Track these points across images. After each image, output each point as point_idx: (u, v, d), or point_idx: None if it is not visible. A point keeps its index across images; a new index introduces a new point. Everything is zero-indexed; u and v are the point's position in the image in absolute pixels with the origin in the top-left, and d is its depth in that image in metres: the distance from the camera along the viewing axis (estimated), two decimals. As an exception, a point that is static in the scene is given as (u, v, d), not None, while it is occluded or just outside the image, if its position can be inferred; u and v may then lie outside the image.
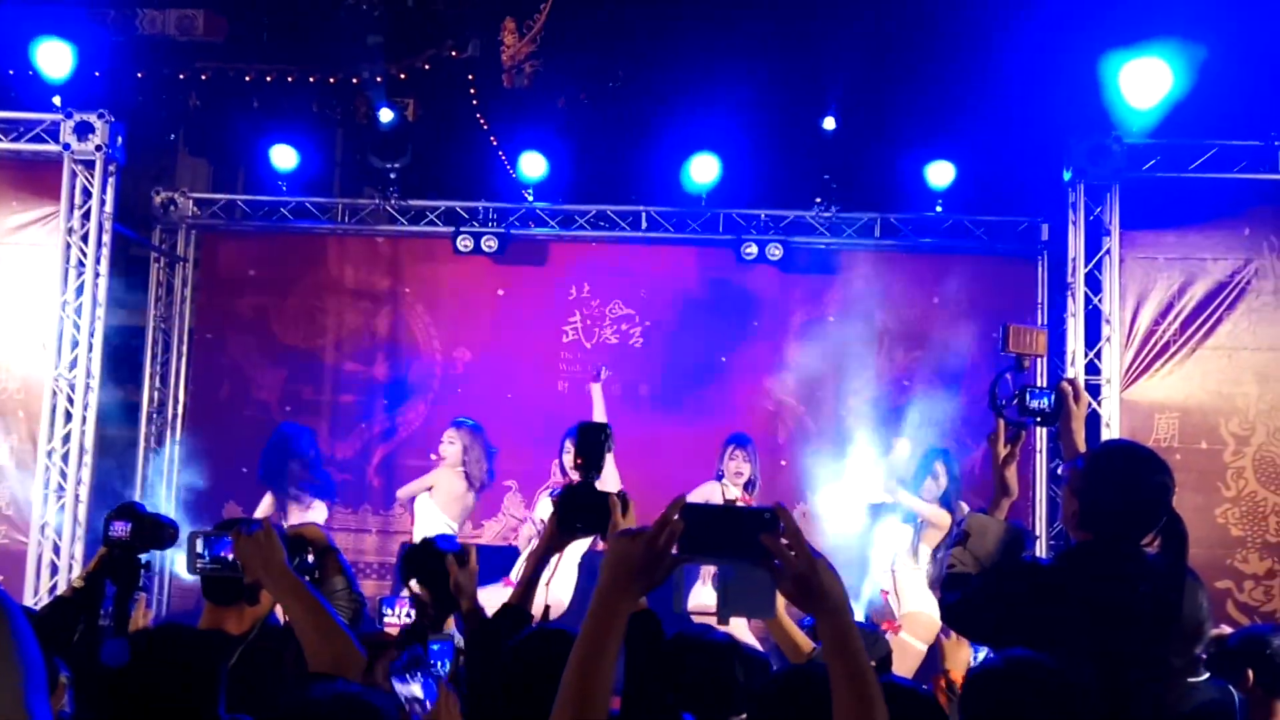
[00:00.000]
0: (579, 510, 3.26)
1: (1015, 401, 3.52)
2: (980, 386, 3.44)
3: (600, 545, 7.32)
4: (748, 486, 7.60)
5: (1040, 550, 8.44)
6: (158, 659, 2.68)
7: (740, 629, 4.61)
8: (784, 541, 1.96)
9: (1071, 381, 3.59)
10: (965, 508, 3.25)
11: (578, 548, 7.24)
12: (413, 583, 3.75)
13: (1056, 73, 8.70)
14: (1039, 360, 8.85)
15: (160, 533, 3.49)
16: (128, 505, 3.50)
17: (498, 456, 8.18)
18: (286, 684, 3.07)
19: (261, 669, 3.13)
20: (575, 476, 3.64)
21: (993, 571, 3.22)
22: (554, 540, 3.32)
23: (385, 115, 9.50)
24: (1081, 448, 3.49)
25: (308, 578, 3.36)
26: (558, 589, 7.26)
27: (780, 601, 4.31)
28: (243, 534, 3.07)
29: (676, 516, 2.01)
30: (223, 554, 3.16)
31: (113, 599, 3.36)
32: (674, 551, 2.00)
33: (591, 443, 3.30)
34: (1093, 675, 2.75)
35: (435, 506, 7.73)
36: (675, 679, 3.07)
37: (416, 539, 6.15)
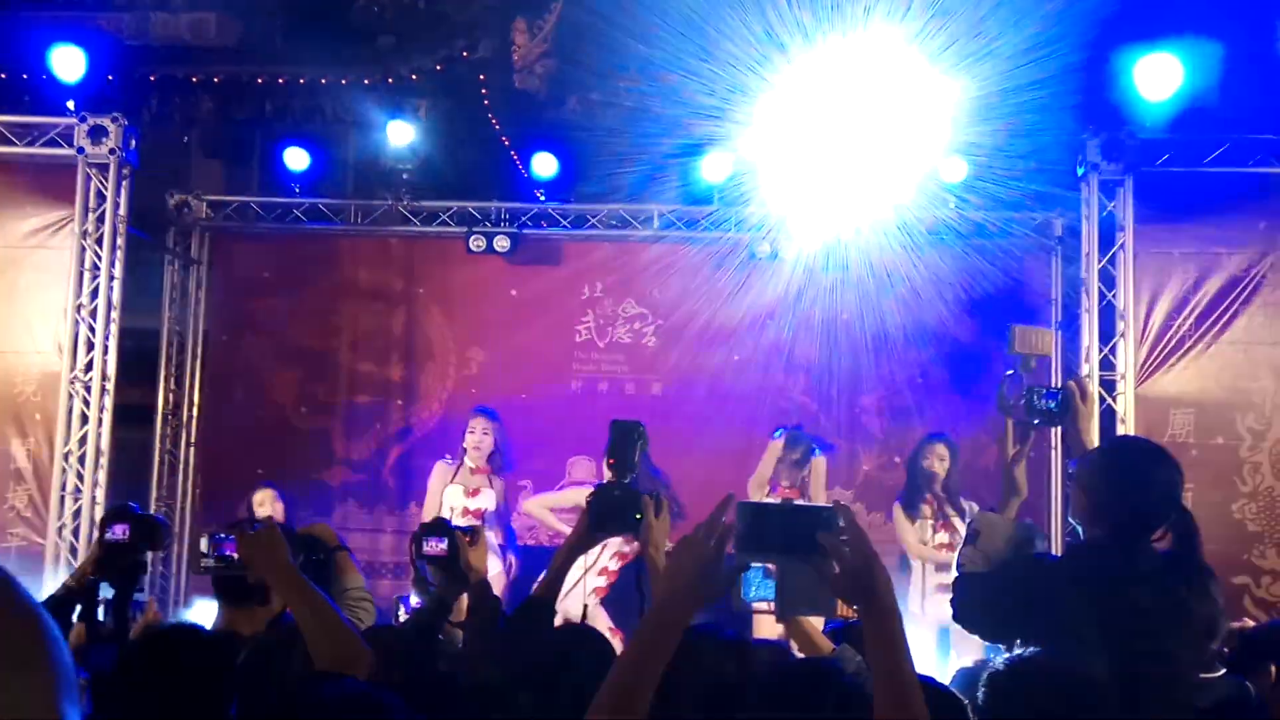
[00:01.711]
0: (611, 509, 3.26)
1: (1023, 402, 3.51)
2: (995, 383, 3.43)
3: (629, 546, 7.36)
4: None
5: (1053, 549, 8.40)
6: (169, 660, 2.70)
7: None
8: (843, 539, 1.94)
9: (1078, 381, 3.58)
10: (975, 508, 3.23)
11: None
12: (421, 565, 3.80)
13: (1070, 67, 8.66)
14: (1054, 357, 8.83)
15: (156, 533, 3.52)
16: (123, 507, 3.53)
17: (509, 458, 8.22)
18: (296, 682, 3.09)
19: (271, 667, 3.15)
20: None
21: (1002, 569, 3.21)
22: (584, 538, 3.33)
23: (398, 136, 9.50)
24: (1091, 446, 3.48)
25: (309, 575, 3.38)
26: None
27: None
28: (246, 532, 3.10)
29: (726, 518, 1.98)
30: (227, 553, 3.18)
31: (112, 600, 3.39)
32: (730, 551, 1.97)
33: (625, 442, 3.29)
34: (1104, 672, 2.74)
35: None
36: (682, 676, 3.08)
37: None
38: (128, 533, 3.43)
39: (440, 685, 3.58)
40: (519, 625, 3.20)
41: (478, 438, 7.96)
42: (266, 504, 8.14)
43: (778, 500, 1.90)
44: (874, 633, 1.96)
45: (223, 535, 3.20)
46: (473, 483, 7.91)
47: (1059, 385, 3.61)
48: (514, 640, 3.32)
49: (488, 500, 7.87)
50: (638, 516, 3.23)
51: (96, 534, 3.54)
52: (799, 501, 1.99)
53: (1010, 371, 3.67)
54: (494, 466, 7.95)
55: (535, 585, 3.52)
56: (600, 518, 3.27)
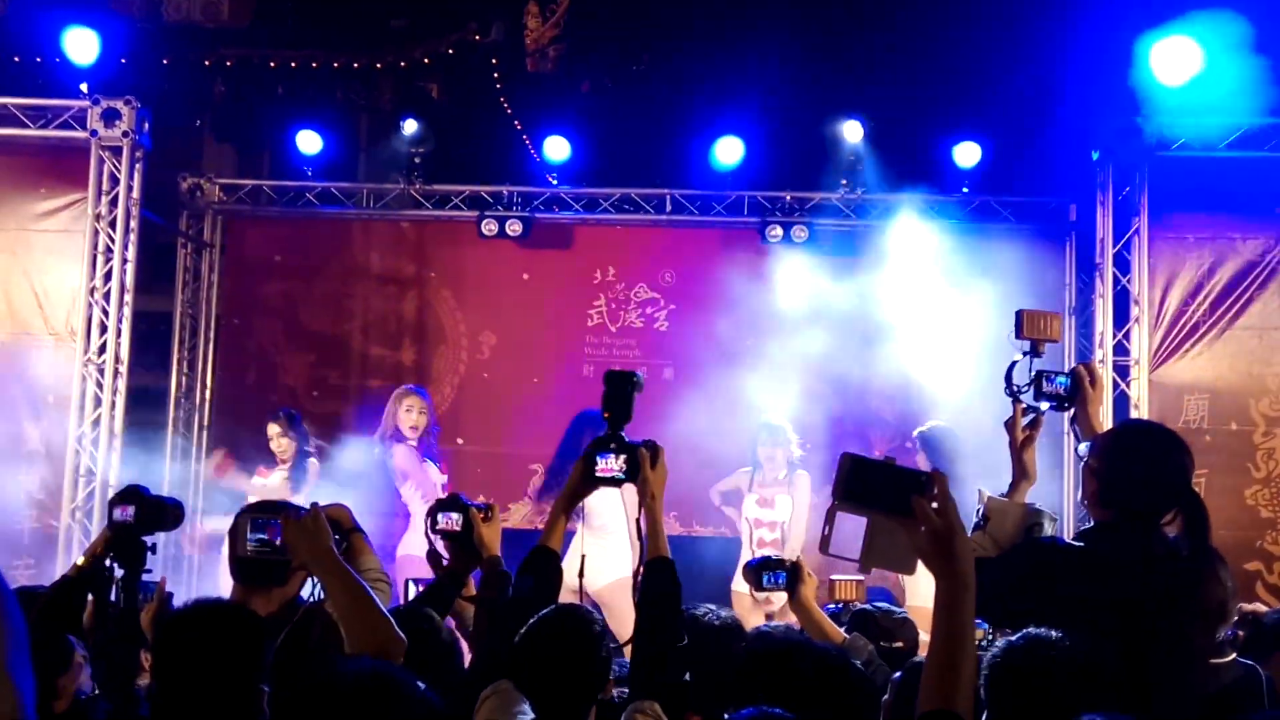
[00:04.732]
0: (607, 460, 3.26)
1: (1031, 386, 3.51)
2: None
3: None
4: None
5: (1065, 533, 8.39)
6: (213, 632, 2.73)
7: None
8: (934, 505, 2.05)
9: (1087, 365, 3.57)
10: (985, 493, 3.22)
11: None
12: (434, 539, 3.84)
13: (1085, 51, 8.62)
14: (1065, 345, 8.81)
15: (164, 515, 3.52)
16: (132, 488, 3.53)
17: (523, 440, 8.23)
18: (313, 660, 3.10)
19: (288, 646, 3.16)
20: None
21: (1012, 553, 3.20)
22: (580, 487, 3.34)
23: (409, 126, 9.51)
24: (1099, 430, 3.47)
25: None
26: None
27: (812, 588, 4.36)
28: (291, 518, 3.10)
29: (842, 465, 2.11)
30: (270, 537, 3.18)
31: (121, 581, 3.39)
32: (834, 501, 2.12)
33: (619, 392, 3.29)
34: (1114, 656, 2.74)
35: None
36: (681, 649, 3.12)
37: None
38: (133, 514, 3.43)
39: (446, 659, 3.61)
40: (524, 582, 3.23)
41: (414, 417, 8.02)
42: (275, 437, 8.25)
43: (880, 458, 1.98)
44: (946, 599, 2.06)
45: (266, 519, 3.20)
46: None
47: (1068, 370, 3.60)
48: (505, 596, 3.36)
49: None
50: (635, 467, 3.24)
51: (106, 515, 3.54)
52: (901, 463, 2.05)
53: (1019, 356, 3.66)
54: (423, 448, 8.01)
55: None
56: (596, 469, 3.27)
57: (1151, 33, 7.71)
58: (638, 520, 3.23)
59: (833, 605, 4.91)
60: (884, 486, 2.09)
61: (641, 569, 3.16)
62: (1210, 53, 7.58)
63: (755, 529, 7.74)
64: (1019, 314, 3.63)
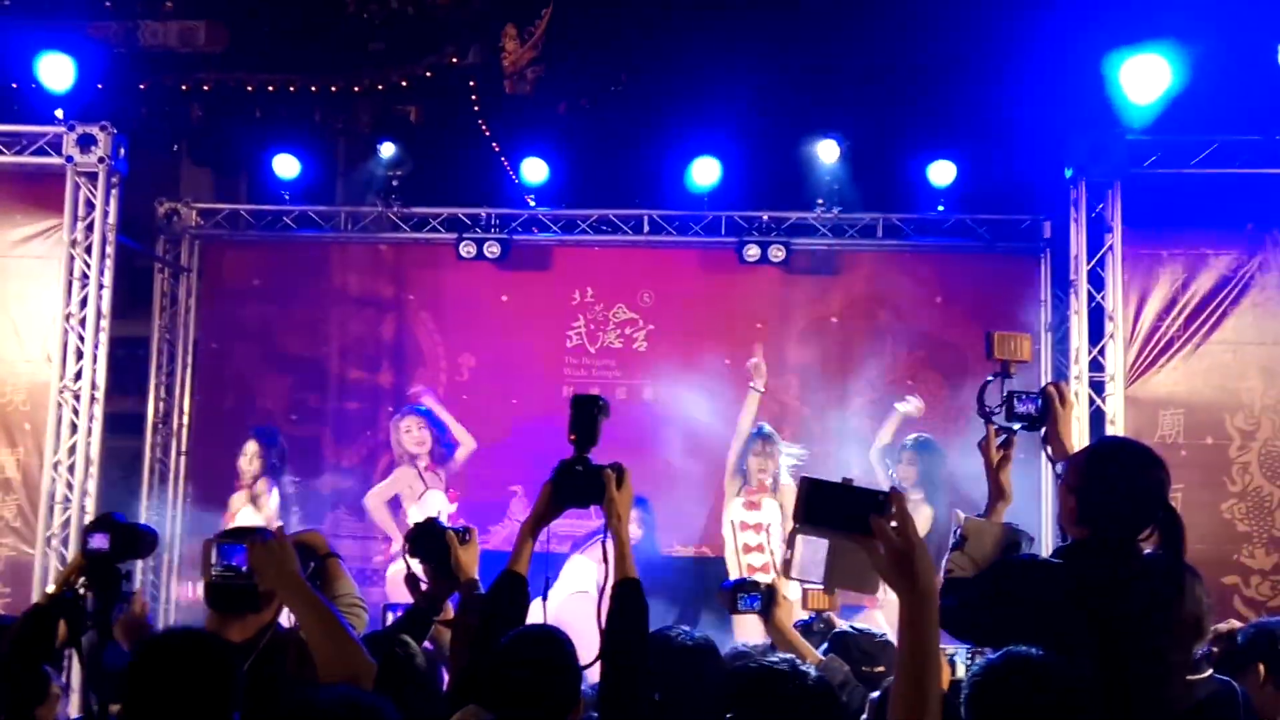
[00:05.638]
0: (574, 483, 3.28)
1: (1003, 406, 3.53)
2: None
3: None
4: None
5: (1043, 552, 8.40)
6: (177, 666, 2.72)
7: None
8: (893, 524, 2.07)
9: (1057, 385, 3.59)
10: (961, 515, 3.24)
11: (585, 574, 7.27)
12: (413, 562, 3.85)
13: (1057, 70, 8.70)
14: (1041, 361, 8.86)
15: (138, 543, 3.51)
16: (105, 517, 3.53)
17: (502, 462, 8.22)
18: (288, 687, 3.09)
19: (263, 673, 3.15)
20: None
21: (990, 572, 3.21)
22: (546, 511, 3.35)
23: (386, 149, 9.54)
24: (1070, 450, 3.49)
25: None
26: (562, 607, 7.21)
27: (787, 610, 4.37)
28: (257, 543, 3.10)
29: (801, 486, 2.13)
30: (236, 562, 3.18)
31: (93, 609, 3.38)
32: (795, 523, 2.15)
33: (585, 416, 3.30)
34: (1093, 673, 2.75)
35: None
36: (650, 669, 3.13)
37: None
38: (108, 542, 3.42)
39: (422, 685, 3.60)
40: (492, 605, 3.23)
41: (416, 435, 8.05)
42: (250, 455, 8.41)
43: (840, 480, 2.00)
44: (909, 615, 2.07)
45: (232, 545, 3.20)
46: (433, 482, 8.03)
47: (1040, 390, 3.61)
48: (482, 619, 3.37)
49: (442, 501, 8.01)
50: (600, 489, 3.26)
51: (79, 543, 3.54)
52: (859, 483, 2.07)
53: (991, 377, 3.68)
54: (435, 458, 8.04)
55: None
56: (563, 492, 3.29)
57: (1122, 51, 7.78)
58: (603, 542, 3.24)
59: (805, 616, 4.94)
60: (843, 507, 2.10)
61: (608, 590, 3.16)
62: (1180, 70, 7.66)
63: (740, 532, 7.77)
64: (988, 335, 3.65)
